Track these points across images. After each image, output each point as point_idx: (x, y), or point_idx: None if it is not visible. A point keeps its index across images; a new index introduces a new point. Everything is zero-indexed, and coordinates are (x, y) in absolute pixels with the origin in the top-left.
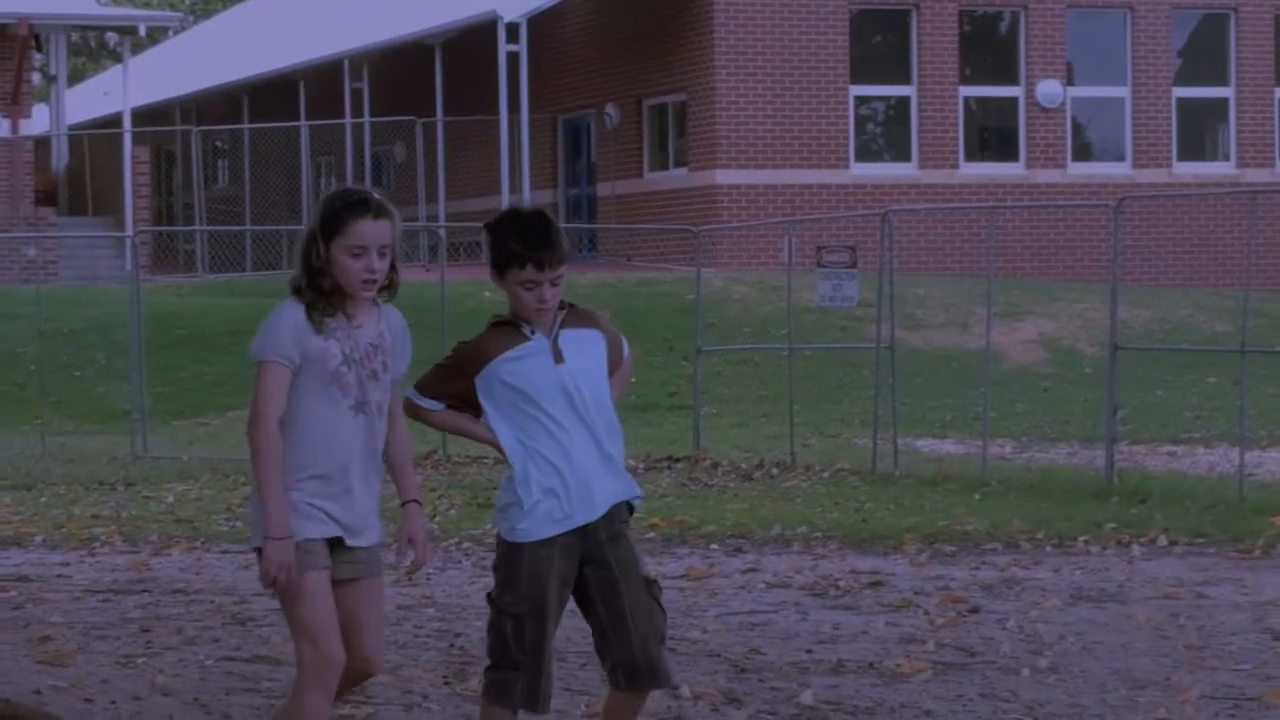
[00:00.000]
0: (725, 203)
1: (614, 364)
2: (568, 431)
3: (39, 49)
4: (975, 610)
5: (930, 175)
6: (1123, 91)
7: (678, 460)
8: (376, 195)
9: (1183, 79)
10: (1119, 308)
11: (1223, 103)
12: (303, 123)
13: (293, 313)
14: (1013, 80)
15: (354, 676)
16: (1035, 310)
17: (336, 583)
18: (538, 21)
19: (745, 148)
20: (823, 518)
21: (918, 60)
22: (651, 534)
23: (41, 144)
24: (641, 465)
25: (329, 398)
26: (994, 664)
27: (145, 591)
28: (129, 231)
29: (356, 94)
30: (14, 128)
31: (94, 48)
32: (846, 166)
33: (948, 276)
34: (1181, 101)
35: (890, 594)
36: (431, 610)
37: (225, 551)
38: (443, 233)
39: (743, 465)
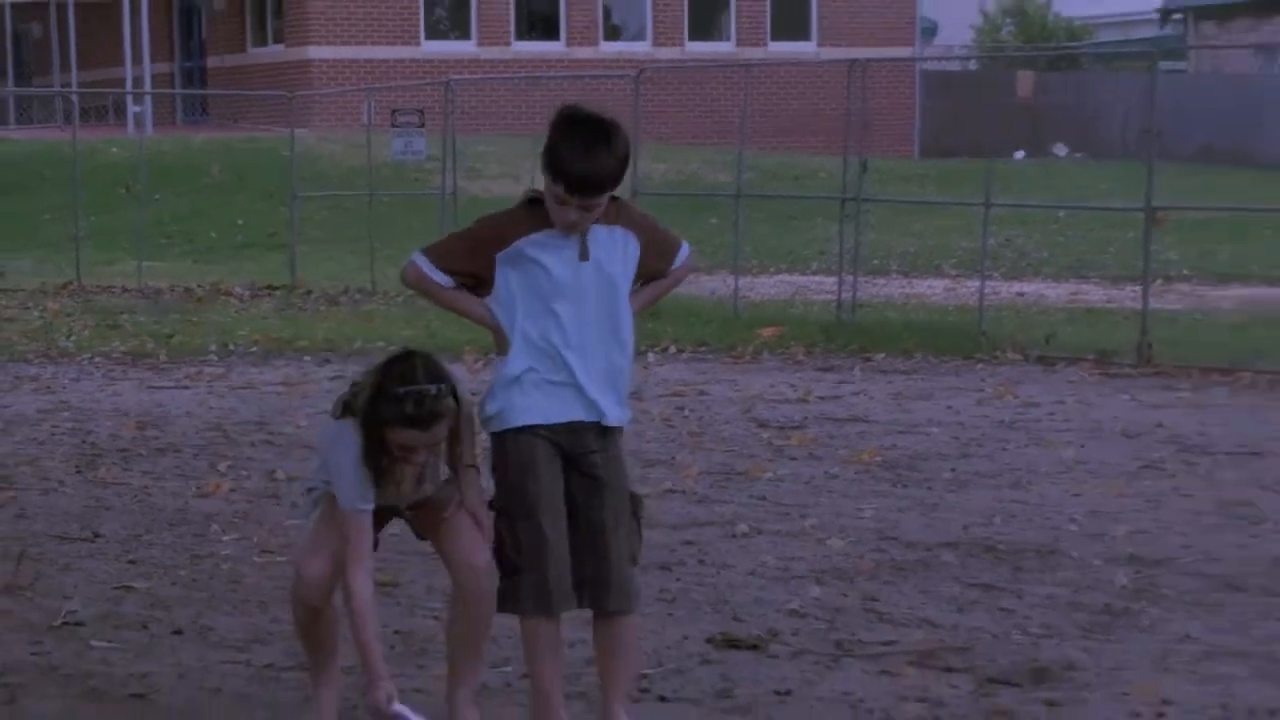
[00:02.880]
0: (317, 74)
1: (654, 271)
2: (575, 334)
3: None
4: None
5: (488, 51)
6: None
7: (277, 288)
8: (433, 391)
9: None
10: (641, 160)
11: None
12: None
13: (352, 451)
14: None
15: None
16: None
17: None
18: None
19: (334, 27)
20: (398, 334)
21: None
22: (254, 349)
23: None
24: (248, 292)
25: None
26: None
27: None
28: None
29: None
30: None
31: None
32: (418, 44)
33: (504, 135)
34: None
35: None
36: (67, 414)
37: None
38: (75, 98)
39: (331, 292)
